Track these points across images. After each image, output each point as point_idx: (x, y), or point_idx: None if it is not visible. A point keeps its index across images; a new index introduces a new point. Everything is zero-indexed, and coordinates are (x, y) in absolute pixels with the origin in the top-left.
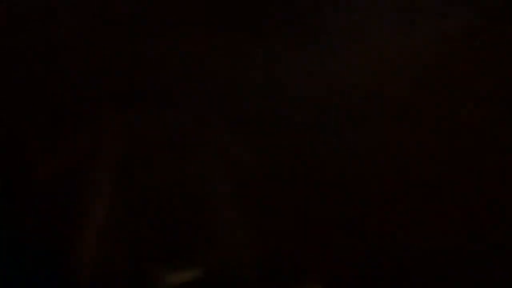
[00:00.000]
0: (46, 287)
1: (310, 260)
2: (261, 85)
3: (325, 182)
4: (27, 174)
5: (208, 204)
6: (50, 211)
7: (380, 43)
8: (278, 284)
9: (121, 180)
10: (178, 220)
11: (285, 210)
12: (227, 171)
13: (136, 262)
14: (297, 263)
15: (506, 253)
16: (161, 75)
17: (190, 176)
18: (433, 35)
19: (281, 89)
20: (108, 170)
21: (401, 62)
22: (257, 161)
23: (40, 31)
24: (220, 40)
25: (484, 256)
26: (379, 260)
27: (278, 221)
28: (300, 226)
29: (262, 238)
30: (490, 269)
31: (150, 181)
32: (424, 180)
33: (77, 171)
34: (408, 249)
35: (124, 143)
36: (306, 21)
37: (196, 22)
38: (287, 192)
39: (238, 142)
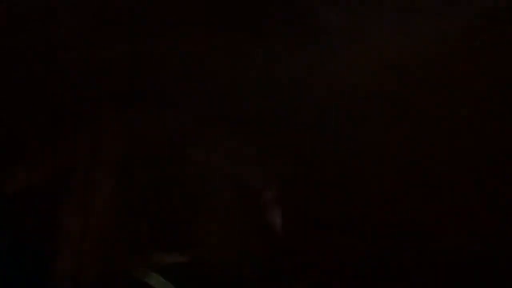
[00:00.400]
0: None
1: (310, 259)
2: (261, 85)
3: (325, 182)
4: (27, 174)
5: (208, 204)
6: (50, 211)
7: (380, 43)
8: (278, 284)
9: (121, 180)
10: (178, 220)
11: (285, 210)
12: (227, 171)
13: (135, 261)
14: (297, 263)
15: (506, 253)
16: (161, 75)
17: (190, 175)
18: (433, 35)
19: (281, 89)
20: (108, 170)
21: (401, 62)
22: (258, 161)
23: (40, 31)
24: (220, 40)
25: (485, 256)
26: (379, 260)
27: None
28: (300, 226)
29: (262, 238)
30: (490, 269)
31: (150, 181)
32: (424, 180)
33: (77, 171)
34: (408, 249)
35: (124, 143)
36: (306, 21)
37: (196, 22)
38: (288, 192)
39: (239, 142)
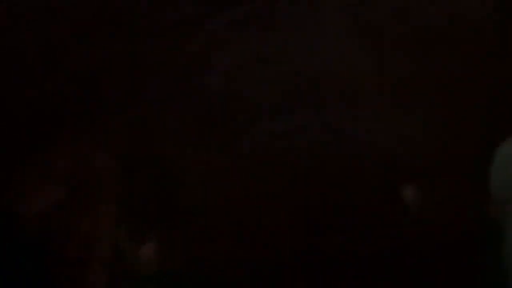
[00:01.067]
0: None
1: (310, 259)
2: (261, 84)
3: (325, 182)
4: (27, 174)
5: (209, 203)
6: (50, 211)
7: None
8: (278, 284)
9: (121, 180)
10: (178, 219)
11: (285, 210)
12: (225, 168)
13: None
14: (297, 263)
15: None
16: (161, 75)
17: (191, 175)
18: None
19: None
20: (109, 170)
21: (398, 51)
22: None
23: (40, 31)
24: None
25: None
26: (379, 260)
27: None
28: (300, 226)
29: (259, 237)
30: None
31: (150, 180)
32: (415, 174)
33: (77, 171)
34: (409, 249)
35: (124, 143)
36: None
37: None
38: (288, 192)
39: (238, 138)
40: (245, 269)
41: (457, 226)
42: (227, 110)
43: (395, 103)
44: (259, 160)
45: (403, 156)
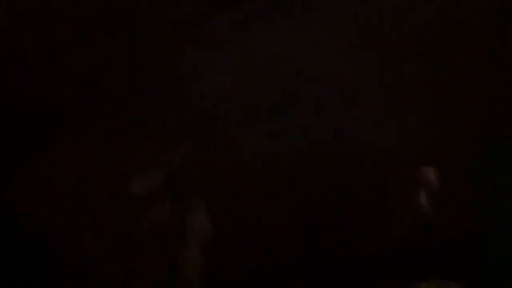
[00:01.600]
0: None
1: (310, 259)
2: (261, 81)
3: (325, 182)
4: (27, 174)
5: (209, 203)
6: (50, 211)
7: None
8: (278, 284)
9: (121, 180)
10: (178, 219)
11: (286, 210)
12: (225, 168)
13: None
14: (297, 263)
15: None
16: (161, 75)
17: (191, 175)
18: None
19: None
20: (109, 170)
21: (398, 51)
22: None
23: (40, 31)
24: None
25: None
26: (379, 260)
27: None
28: (301, 226)
29: (259, 237)
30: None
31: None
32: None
33: (77, 172)
34: (408, 249)
35: (124, 143)
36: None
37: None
38: (288, 192)
39: (238, 138)
40: (245, 269)
41: (457, 226)
42: (227, 110)
43: (395, 103)
44: (259, 160)
45: (403, 156)
